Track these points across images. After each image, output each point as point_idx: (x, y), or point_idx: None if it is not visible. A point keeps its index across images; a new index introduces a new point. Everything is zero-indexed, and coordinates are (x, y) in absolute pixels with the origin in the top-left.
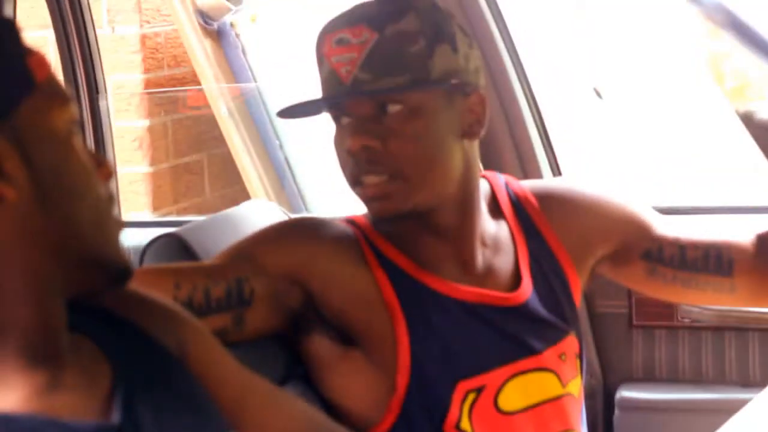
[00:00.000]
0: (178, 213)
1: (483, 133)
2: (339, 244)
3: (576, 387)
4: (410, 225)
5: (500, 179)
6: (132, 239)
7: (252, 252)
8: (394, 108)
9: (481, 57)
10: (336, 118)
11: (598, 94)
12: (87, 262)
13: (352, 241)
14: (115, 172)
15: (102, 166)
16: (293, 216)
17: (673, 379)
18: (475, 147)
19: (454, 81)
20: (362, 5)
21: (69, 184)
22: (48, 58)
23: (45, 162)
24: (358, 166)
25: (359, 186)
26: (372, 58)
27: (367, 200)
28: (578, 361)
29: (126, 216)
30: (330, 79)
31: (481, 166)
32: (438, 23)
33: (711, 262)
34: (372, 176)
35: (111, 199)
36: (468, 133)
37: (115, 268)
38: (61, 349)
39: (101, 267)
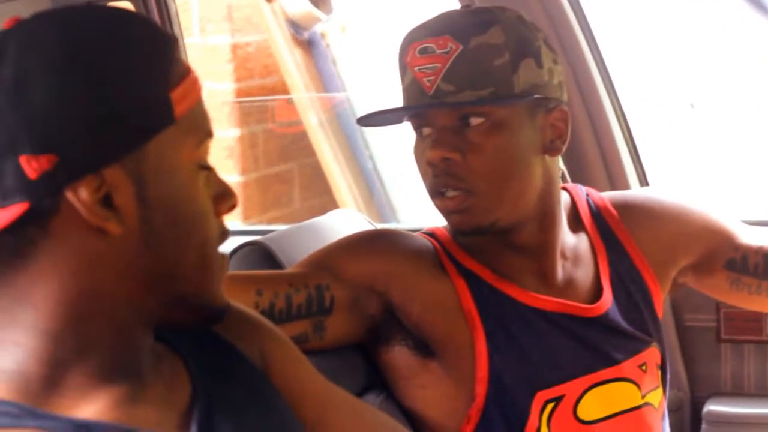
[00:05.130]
0: (268, 222)
1: (564, 148)
2: (418, 254)
3: (656, 397)
4: (490, 239)
5: (581, 191)
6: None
7: (333, 261)
8: (476, 121)
9: (564, 72)
10: (417, 128)
11: (692, 106)
12: (182, 301)
13: (431, 252)
14: None
15: (226, 198)
16: (379, 226)
17: (762, 393)
18: (556, 162)
19: (537, 96)
20: (447, 15)
21: (180, 226)
22: (199, 87)
23: (161, 201)
24: (438, 178)
25: (439, 198)
26: (455, 69)
27: (446, 213)
28: (660, 371)
29: None
30: (412, 87)
31: (568, 178)
32: (523, 37)
33: None
34: (451, 189)
35: (223, 236)
36: (549, 149)
37: (210, 310)
38: (142, 365)
39: (196, 307)
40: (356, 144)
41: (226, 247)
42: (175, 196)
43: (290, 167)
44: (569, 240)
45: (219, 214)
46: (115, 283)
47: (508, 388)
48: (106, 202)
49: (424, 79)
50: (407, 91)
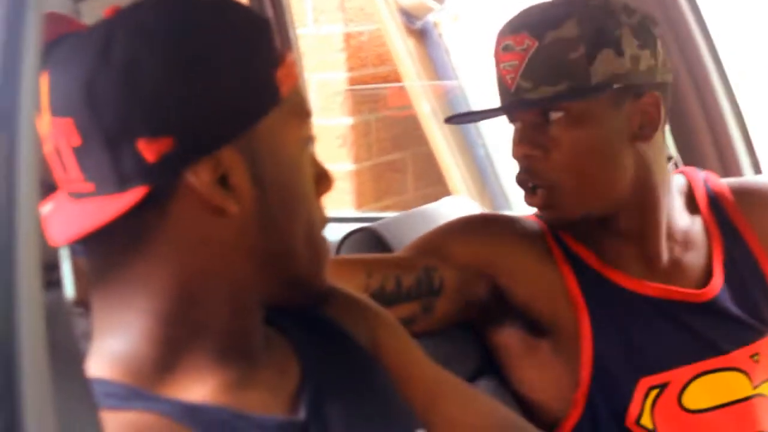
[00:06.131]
0: (382, 211)
1: (657, 133)
2: (525, 238)
3: None
4: (592, 225)
5: (699, 175)
6: (331, 234)
7: (441, 243)
8: (555, 116)
9: (656, 55)
10: (510, 122)
11: None
12: (292, 280)
13: (539, 236)
14: None
15: (323, 179)
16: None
17: None
18: (654, 147)
19: (616, 86)
20: (526, 12)
21: (290, 205)
22: (296, 69)
23: (273, 180)
24: (522, 174)
25: (527, 193)
26: (532, 66)
27: (534, 207)
28: None
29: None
30: (499, 83)
31: (680, 161)
32: (601, 27)
33: None
34: (537, 186)
35: (324, 221)
36: (639, 136)
37: (316, 291)
38: (253, 348)
39: (304, 287)
40: (469, 132)
41: (338, 233)
42: (286, 175)
43: (403, 156)
44: (681, 222)
45: (318, 195)
46: (231, 263)
47: (611, 374)
48: (222, 183)
49: (507, 77)
50: (497, 85)
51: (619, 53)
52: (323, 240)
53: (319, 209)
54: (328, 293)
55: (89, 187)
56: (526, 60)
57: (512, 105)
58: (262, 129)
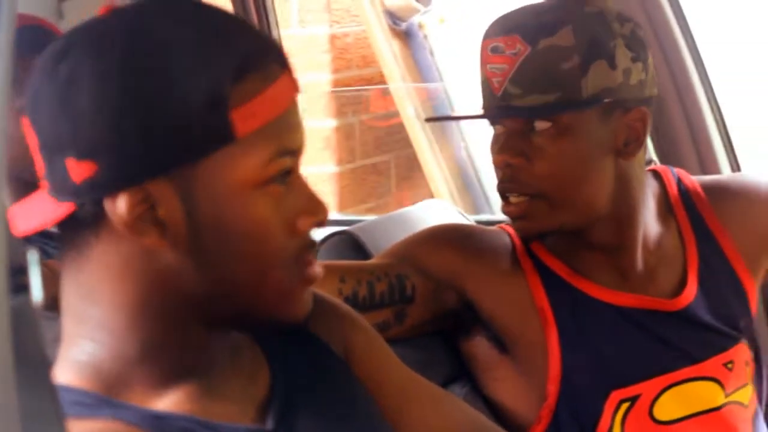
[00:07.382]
0: (365, 214)
1: (640, 151)
2: (494, 251)
3: (745, 395)
4: (565, 237)
5: (673, 174)
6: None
7: (412, 252)
8: (542, 125)
9: (647, 68)
10: (491, 125)
11: None
12: (244, 315)
13: (508, 248)
14: None
15: (310, 214)
16: (472, 217)
17: None
18: (635, 162)
19: (607, 100)
20: (521, 12)
21: (233, 246)
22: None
23: (212, 220)
24: (503, 183)
25: (504, 202)
26: (522, 73)
27: (510, 217)
28: (748, 368)
29: None
30: (484, 86)
31: (658, 162)
32: (596, 38)
33: None
34: (515, 194)
35: (307, 248)
36: (623, 152)
37: (281, 323)
38: (216, 361)
39: (261, 321)
40: (451, 134)
41: (317, 236)
42: (229, 216)
43: (387, 158)
44: (654, 231)
45: (301, 230)
46: (168, 295)
47: (580, 388)
48: (152, 215)
49: (494, 80)
50: (481, 89)
51: (612, 66)
52: (292, 275)
53: (298, 242)
54: (296, 322)
55: (47, 185)
56: (517, 65)
57: (499, 112)
58: (206, 165)
